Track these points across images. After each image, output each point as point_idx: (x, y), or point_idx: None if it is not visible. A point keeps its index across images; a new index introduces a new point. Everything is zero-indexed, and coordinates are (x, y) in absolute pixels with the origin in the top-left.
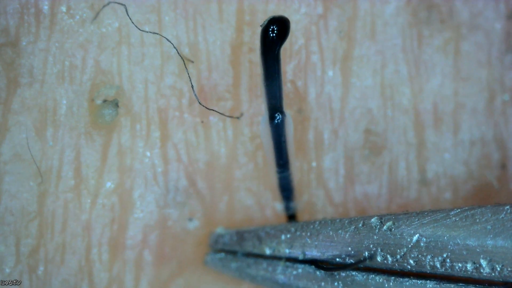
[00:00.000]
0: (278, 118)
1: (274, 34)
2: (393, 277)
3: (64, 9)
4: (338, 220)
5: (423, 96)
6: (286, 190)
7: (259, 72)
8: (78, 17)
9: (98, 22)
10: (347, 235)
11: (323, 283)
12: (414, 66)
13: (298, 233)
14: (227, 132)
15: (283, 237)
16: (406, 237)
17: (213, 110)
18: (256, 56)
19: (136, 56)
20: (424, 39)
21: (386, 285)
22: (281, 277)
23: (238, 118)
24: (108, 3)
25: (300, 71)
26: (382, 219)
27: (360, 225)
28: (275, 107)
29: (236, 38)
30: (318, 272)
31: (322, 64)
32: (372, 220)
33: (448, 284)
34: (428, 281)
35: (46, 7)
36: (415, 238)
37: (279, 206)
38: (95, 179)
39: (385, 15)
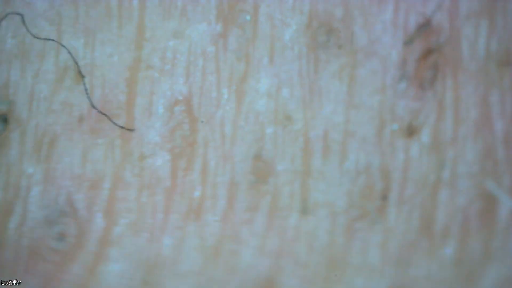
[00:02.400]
0: None
1: None
2: None
3: None
4: None
5: (315, 122)
6: None
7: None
8: None
9: None
10: None
11: None
12: (309, 92)
13: None
14: (114, 152)
15: None
16: None
17: (105, 115)
18: (154, 73)
19: (32, 70)
20: (321, 64)
21: None
22: None
23: (131, 130)
24: (6, 15)
25: (196, 91)
26: None
27: None
28: None
29: (134, 55)
30: None
31: (218, 86)
32: None
33: None
34: None
35: None
36: None
37: None
38: None
39: (284, 38)
